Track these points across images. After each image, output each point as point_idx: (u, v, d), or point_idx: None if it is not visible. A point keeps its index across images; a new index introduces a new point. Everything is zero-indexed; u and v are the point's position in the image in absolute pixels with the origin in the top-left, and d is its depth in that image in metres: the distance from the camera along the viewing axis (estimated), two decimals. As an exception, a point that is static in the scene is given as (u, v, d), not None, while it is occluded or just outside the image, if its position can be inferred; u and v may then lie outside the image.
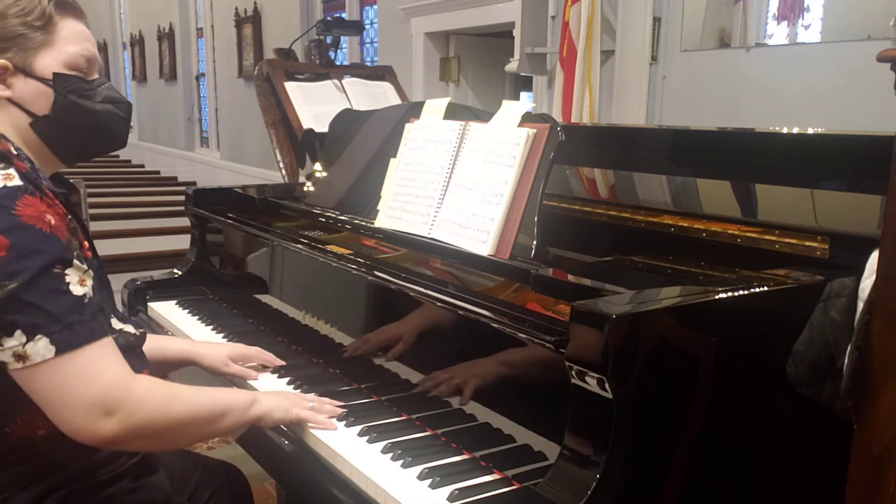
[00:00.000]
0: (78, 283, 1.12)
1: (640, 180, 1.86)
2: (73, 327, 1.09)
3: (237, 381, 1.62)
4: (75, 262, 1.13)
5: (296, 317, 1.82)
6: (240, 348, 1.65)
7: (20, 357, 1.07)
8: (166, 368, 1.65)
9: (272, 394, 1.41)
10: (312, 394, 1.44)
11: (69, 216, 1.18)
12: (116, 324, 1.30)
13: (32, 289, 1.07)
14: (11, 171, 1.14)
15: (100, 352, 1.12)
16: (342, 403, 1.42)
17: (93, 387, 1.09)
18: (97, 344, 1.11)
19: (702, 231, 1.42)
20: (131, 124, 1.40)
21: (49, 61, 1.24)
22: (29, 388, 1.11)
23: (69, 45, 1.26)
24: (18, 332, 1.06)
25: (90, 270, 1.17)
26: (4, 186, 1.11)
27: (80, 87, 1.28)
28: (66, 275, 1.11)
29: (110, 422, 1.10)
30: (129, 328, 1.33)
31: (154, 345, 1.56)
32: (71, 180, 1.40)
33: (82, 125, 1.30)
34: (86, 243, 1.23)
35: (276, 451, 1.39)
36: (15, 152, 1.19)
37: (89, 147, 1.36)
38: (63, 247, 1.12)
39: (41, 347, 1.07)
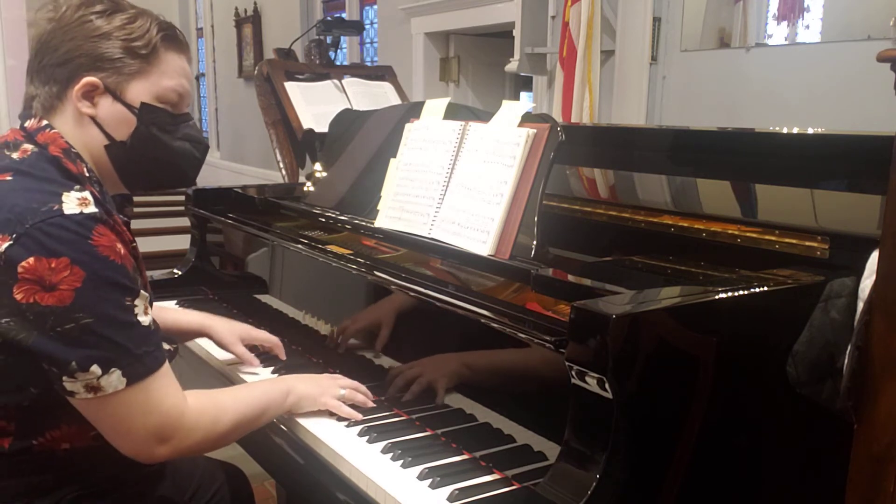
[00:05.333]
0: (143, 312, 1.14)
1: (640, 180, 1.86)
2: (143, 359, 1.12)
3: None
4: (141, 291, 1.15)
5: (296, 317, 1.82)
6: (251, 330, 1.67)
7: (93, 388, 1.09)
8: (180, 340, 1.68)
9: (305, 380, 1.42)
10: (349, 380, 1.44)
11: (133, 243, 1.21)
12: None
13: (108, 322, 1.08)
14: (87, 195, 1.13)
15: (162, 381, 1.15)
16: (374, 397, 1.43)
17: (152, 418, 1.13)
18: (161, 372, 1.15)
19: (702, 231, 1.42)
20: (201, 166, 1.40)
21: (141, 90, 1.24)
22: (92, 416, 1.13)
23: (165, 78, 1.26)
24: (95, 367, 1.08)
25: (149, 297, 1.19)
26: (81, 213, 1.10)
27: (164, 122, 1.27)
28: (136, 305, 1.13)
29: (164, 447, 1.16)
30: (164, 345, 1.34)
31: (167, 317, 1.60)
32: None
33: (156, 158, 1.29)
34: (143, 267, 1.26)
35: (276, 451, 1.39)
36: (88, 175, 1.20)
37: (157, 180, 1.36)
38: (131, 277, 1.13)
39: (114, 380, 1.09)
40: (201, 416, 1.19)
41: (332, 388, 1.40)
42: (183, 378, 1.28)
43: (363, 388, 1.43)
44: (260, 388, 1.37)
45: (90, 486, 1.23)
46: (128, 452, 1.15)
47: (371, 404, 1.41)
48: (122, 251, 1.12)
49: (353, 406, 1.40)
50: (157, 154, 1.29)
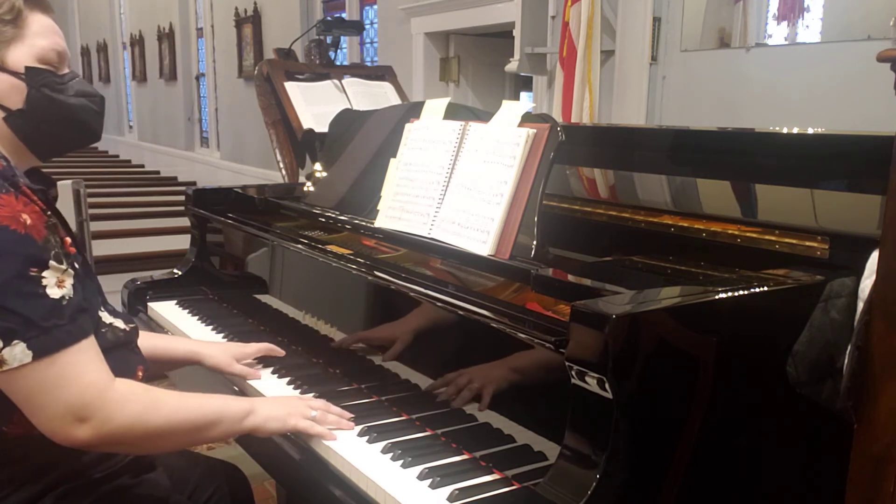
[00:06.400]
0: (56, 284, 1.11)
1: (640, 180, 1.86)
2: (50, 332, 1.08)
3: (238, 382, 1.62)
4: (52, 262, 1.11)
5: (296, 317, 1.82)
6: (244, 347, 1.65)
7: None
8: (171, 367, 1.66)
9: (271, 402, 1.36)
10: (320, 400, 1.40)
11: (48, 212, 1.17)
12: (107, 318, 1.28)
13: (8, 293, 1.06)
14: None
15: (78, 356, 1.11)
16: (351, 416, 1.38)
17: (67, 393, 1.09)
18: (75, 347, 1.11)
19: (702, 231, 1.42)
20: (103, 119, 1.38)
21: (20, 55, 1.24)
22: (7, 391, 1.11)
23: (39, 38, 1.26)
24: None
25: (70, 269, 1.14)
26: None
27: (53, 81, 1.27)
28: (43, 277, 1.10)
29: (83, 428, 1.10)
30: (120, 323, 1.31)
31: (158, 344, 1.58)
32: (53, 176, 1.38)
33: (57, 118, 1.29)
34: (68, 239, 1.20)
35: (276, 451, 1.39)
36: None
37: (64, 141, 1.35)
38: (39, 248, 1.11)
39: (18, 352, 1.07)
40: (128, 402, 1.14)
41: (301, 408, 1.34)
42: (195, 389, 1.26)
43: (335, 409, 1.37)
44: (216, 401, 1.30)
45: (77, 473, 1.22)
46: (46, 431, 1.11)
47: (349, 424, 1.35)
48: (29, 222, 1.10)
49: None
50: (56, 114, 1.28)
